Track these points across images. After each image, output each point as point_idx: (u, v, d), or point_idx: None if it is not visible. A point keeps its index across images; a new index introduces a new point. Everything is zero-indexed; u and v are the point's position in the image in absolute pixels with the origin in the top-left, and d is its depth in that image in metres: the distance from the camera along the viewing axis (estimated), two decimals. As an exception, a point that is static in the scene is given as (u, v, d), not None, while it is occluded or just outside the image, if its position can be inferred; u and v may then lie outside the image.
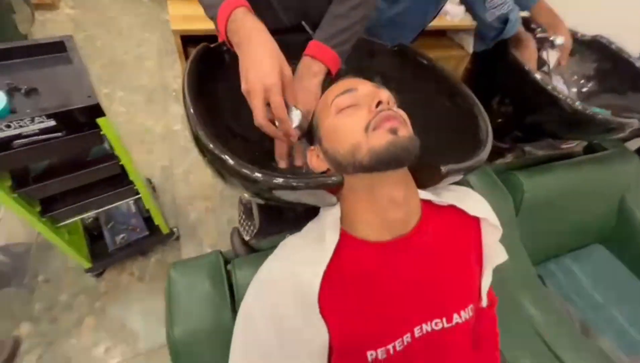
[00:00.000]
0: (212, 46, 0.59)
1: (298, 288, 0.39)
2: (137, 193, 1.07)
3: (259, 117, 0.43)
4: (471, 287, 0.46)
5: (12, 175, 0.84)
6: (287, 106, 0.45)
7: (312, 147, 0.49)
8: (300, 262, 0.41)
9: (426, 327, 0.43)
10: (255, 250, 0.66)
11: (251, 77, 0.42)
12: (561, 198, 0.88)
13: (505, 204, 0.81)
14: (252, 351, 0.42)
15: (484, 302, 0.50)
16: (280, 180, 0.37)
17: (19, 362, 1.05)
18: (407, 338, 0.42)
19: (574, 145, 1.06)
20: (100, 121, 0.80)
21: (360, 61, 0.71)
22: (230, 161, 0.38)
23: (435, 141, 0.60)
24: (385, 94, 0.44)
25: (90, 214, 1.05)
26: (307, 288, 0.39)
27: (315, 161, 0.47)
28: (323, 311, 0.40)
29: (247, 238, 0.67)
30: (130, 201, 1.17)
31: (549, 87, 0.71)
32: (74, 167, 0.90)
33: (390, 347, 0.41)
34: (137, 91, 2.00)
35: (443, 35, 2.05)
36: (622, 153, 0.98)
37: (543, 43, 0.90)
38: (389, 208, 0.41)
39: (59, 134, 0.78)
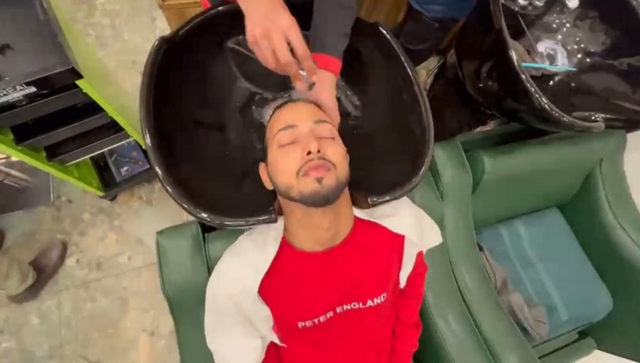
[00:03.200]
0: (168, 37, 0.57)
1: (244, 286, 0.52)
2: (131, 136, 1.15)
3: (284, 55, 0.42)
4: (385, 281, 0.59)
5: (11, 129, 0.91)
6: None
7: (263, 164, 0.54)
8: (246, 267, 0.53)
9: (346, 307, 0.58)
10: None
11: (265, 21, 0.42)
12: (524, 177, 0.92)
13: (464, 180, 0.87)
14: (219, 313, 0.58)
15: (402, 284, 0.64)
16: (223, 221, 0.45)
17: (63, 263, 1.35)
18: (330, 314, 0.57)
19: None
20: (80, 83, 0.81)
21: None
22: (171, 194, 0.45)
23: (385, 142, 0.64)
24: (321, 132, 0.47)
25: (95, 154, 1.15)
26: (250, 287, 0.52)
27: (265, 177, 0.54)
28: (265, 299, 0.54)
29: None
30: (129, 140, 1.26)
31: (524, 76, 0.68)
32: (67, 112, 0.95)
33: (315, 320, 0.56)
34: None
35: None
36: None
37: (551, 5, 0.79)
38: (317, 231, 0.51)
39: (45, 92, 0.82)
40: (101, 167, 1.37)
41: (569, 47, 0.89)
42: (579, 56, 0.88)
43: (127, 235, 1.42)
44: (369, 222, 0.56)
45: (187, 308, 0.70)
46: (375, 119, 0.66)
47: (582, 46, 0.87)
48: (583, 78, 0.86)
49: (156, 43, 0.55)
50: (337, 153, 0.48)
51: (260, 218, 0.48)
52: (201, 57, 0.65)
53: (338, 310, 0.57)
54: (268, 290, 0.53)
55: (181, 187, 0.48)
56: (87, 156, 1.12)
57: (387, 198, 0.51)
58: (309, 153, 0.44)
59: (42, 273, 1.27)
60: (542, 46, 0.91)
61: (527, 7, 0.87)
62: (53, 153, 1.03)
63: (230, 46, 0.70)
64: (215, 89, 0.68)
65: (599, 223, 1.02)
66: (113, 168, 1.35)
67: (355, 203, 0.56)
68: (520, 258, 1.03)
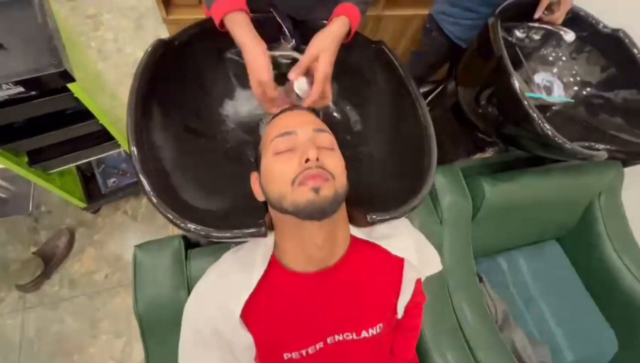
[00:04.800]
0: (166, 40, 0.56)
1: (225, 308, 0.47)
2: (122, 145, 1.11)
3: (259, 101, 0.55)
4: (383, 310, 0.53)
5: (-7, 131, 0.86)
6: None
7: (256, 173, 0.51)
8: (230, 287, 0.48)
9: (338, 337, 0.52)
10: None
11: (250, 75, 0.53)
12: (524, 205, 0.90)
13: (463, 207, 0.84)
14: (196, 340, 0.52)
15: (400, 314, 0.58)
16: (210, 232, 0.41)
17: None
18: (319, 345, 0.51)
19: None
20: (71, 86, 0.79)
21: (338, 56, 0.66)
22: (153, 200, 0.41)
23: (385, 160, 0.61)
24: (320, 141, 0.44)
25: (79, 163, 1.10)
26: (232, 310, 0.46)
27: (257, 188, 0.50)
28: (247, 325, 0.48)
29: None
30: (118, 151, 1.22)
31: (526, 102, 0.67)
32: (55, 118, 0.92)
33: (303, 351, 0.50)
34: (126, 15, 1.85)
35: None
36: (604, 161, 0.96)
37: (547, 39, 0.81)
38: (310, 248, 0.46)
39: (33, 93, 0.78)
40: (87, 178, 1.32)
41: (565, 80, 0.90)
42: (576, 88, 0.90)
43: (107, 251, 1.34)
44: (367, 242, 0.51)
45: (159, 331, 0.63)
46: (376, 136, 0.64)
47: (579, 78, 0.89)
48: (580, 109, 0.87)
49: (153, 44, 0.54)
50: (336, 165, 0.44)
51: (248, 231, 0.44)
52: (199, 65, 0.63)
53: (329, 340, 0.51)
54: (252, 313, 0.48)
55: (166, 197, 0.44)
56: (73, 165, 1.07)
57: (388, 216, 0.47)
58: (307, 160, 0.41)
59: (49, 262, 1.21)
60: (539, 78, 0.93)
61: (524, 40, 0.89)
62: (36, 158, 0.98)
63: (230, 57, 0.69)
64: (211, 98, 0.66)
65: (599, 258, 0.99)
66: (99, 179, 1.29)
67: (352, 221, 0.52)
68: (520, 292, 0.98)
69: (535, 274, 1.02)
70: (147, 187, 0.42)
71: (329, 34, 0.55)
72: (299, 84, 0.55)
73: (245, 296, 0.46)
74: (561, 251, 1.08)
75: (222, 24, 0.54)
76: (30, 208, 1.36)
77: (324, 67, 0.53)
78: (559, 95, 0.90)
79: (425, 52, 1.08)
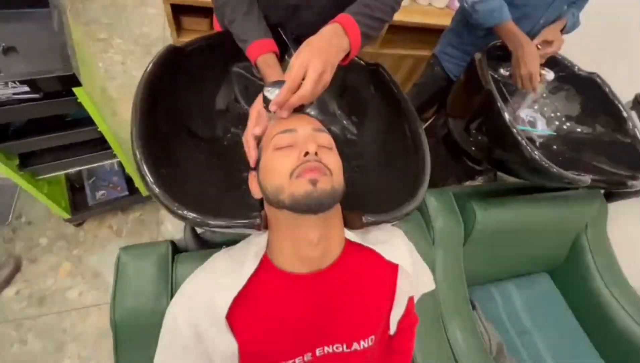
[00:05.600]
0: (178, 46, 0.59)
1: (211, 307, 0.44)
2: (117, 156, 1.10)
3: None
4: (376, 321, 0.51)
5: (-11, 129, 0.86)
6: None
7: (254, 172, 0.51)
8: (218, 284, 0.46)
9: (327, 349, 0.49)
10: (207, 242, 0.71)
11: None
12: (514, 232, 0.91)
13: (455, 230, 0.85)
14: (175, 344, 0.48)
15: (392, 330, 0.56)
16: (206, 220, 0.40)
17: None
18: (308, 356, 0.48)
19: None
20: (76, 90, 0.81)
21: (336, 76, 0.71)
22: (156, 191, 0.41)
23: (384, 175, 0.62)
24: (320, 140, 0.45)
25: (70, 171, 1.09)
26: (218, 309, 0.44)
27: (254, 186, 0.50)
28: (233, 328, 0.45)
29: (200, 230, 0.72)
30: (111, 162, 1.21)
31: (514, 130, 0.71)
32: (53, 124, 0.92)
33: (290, 362, 0.47)
34: (136, 41, 1.94)
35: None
36: (589, 193, 1.00)
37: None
38: (304, 246, 0.45)
39: (37, 95, 0.80)
40: (75, 189, 1.29)
41: (547, 115, 0.96)
42: (557, 123, 0.96)
43: (85, 266, 1.27)
44: (361, 247, 0.51)
45: (135, 343, 0.59)
46: (371, 149, 0.66)
47: (559, 114, 0.95)
48: (563, 142, 0.92)
49: (165, 48, 0.57)
50: (334, 162, 0.45)
51: (243, 221, 0.43)
52: (206, 74, 0.66)
53: (318, 352, 0.48)
54: (239, 315, 0.45)
55: (166, 189, 0.44)
56: (64, 172, 1.06)
57: (383, 218, 0.48)
58: (307, 153, 0.42)
59: None
60: (523, 113, 0.99)
61: (509, 78, 0.96)
62: (27, 162, 0.97)
63: (236, 70, 0.72)
64: (214, 105, 0.68)
65: (589, 291, 0.99)
66: (88, 190, 1.27)
67: (347, 224, 0.51)
68: (514, 323, 0.96)
69: (527, 306, 1.00)
70: (148, 177, 0.42)
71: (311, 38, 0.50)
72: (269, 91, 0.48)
73: (233, 294, 0.44)
74: (552, 284, 1.08)
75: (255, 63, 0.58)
76: (10, 218, 1.31)
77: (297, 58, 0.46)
78: (542, 129, 0.96)
79: (426, 84, 1.17)
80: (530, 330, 0.96)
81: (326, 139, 0.48)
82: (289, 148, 0.45)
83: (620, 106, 0.87)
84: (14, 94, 0.75)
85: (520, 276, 1.07)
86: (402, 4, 1.38)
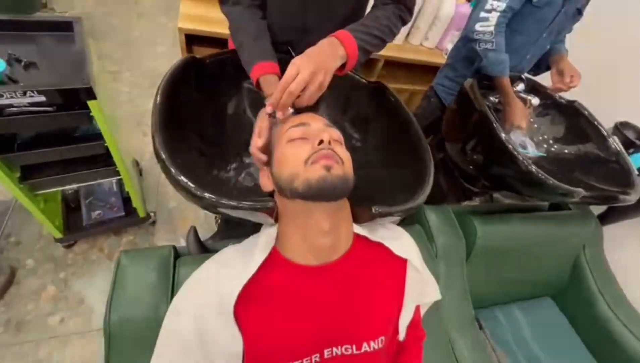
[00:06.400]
0: (198, 57, 0.64)
1: (219, 295, 0.43)
2: (118, 174, 1.11)
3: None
4: (386, 321, 0.50)
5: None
6: None
7: (266, 168, 0.53)
8: (227, 272, 0.45)
9: (336, 350, 0.47)
10: (208, 250, 0.70)
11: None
12: (514, 249, 0.92)
13: (457, 245, 0.85)
14: (174, 344, 0.46)
15: (401, 337, 0.54)
16: (220, 201, 0.41)
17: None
18: (315, 357, 0.46)
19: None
20: (90, 103, 0.84)
21: (341, 92, 0.76)
22: (173, 171, 0.42)
23: (389, 178, 0.65)
24: (332, 134, 0.48)
25: (70, 187, 1.08)
26: (226, 297, 0.42)
27: (266, 180, 0.52)
28: (239, 322, 0.43)
29: (202, 232, 0.71)
30: (110, 180, 1.22)
31: (510, 146, 0.75)
32: (61, 141, 0.94)
33: (298, 362, 0.44)
34: (144, 74, 2.05)
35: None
36: (583, 214, 1.02)
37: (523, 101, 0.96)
38: (316, 234, 0.45)
39: (50, 108, 0.82)
40: (71, 208, 1.27)
41: (535, 139, 1.02)
42: (545, 146, 1.01)
43: (70, 291, 1.21)
44: (370, 241, 0.51)
45: (128, 353, 0.55)
46: (376, 152, 0.69)
47: (546, 137, 1.01)
48: (553, 162, 0.97)
49: (185, 57, 0.61)
50: (345, 154, 0.47)
51: (256, 203, 0.43)
52: (220, 84, 0.70)
53: (326, 353, 0.46)
54: (247, 308, 0.44)
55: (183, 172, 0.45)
56: (65, 187, 1.05)
57: (395, 209, 0.48)
58: (321, 142, 0.44)
59: None
60: (514, 137, 1.05)
61: (498, 104, 1.03)
62: (28, 174, 0.97)
63: (246, 86, 0.77)
64: (226, 111, 0.72)
65: (595, 315, 0.97)
66: (84, 210, 1.25)
67: (356, 219, 0.52)
68: (522, 349, 0.92)
69: (534, 330, 0.97)
70: (164, 156, 0.43)
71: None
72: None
73: (242, 283, 0.43)
74: (556, 309, 1.05)
75: (257, 82, 0.60)
76: (-2, 237, 1.26)
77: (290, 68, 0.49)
78: (532, 151, 1.01)
79: (423, 114, 1.26)
80: (538, 355, 0.92)
81: (337, 134, 0.50)
82: (302, 140, 0.47)
83: (599, 126, 0.94)
84: (30, 104, 0.78)
85: (523, 300, 1.05)
86: (397, 42, 1.53)
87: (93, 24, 2.18)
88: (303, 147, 0.46)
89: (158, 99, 0.51)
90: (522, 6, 0.90)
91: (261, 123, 0.56)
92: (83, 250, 1.31)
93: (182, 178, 0.42)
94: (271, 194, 0.52)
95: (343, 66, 0.56)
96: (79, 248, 1.31)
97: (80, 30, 0.93)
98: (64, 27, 0.94)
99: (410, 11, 0.67)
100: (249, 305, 0.44)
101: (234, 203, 0.41)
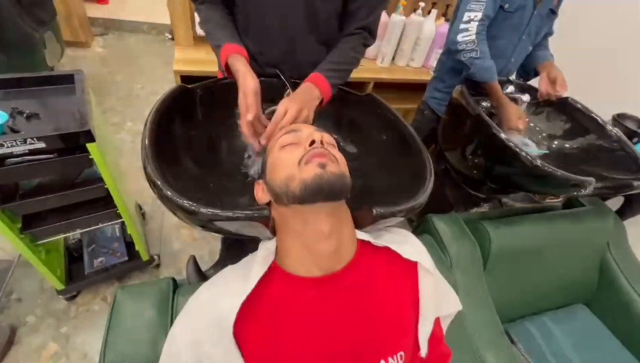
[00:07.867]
0: (189, 87, 0.65)
1: (217, 318, 0.40)
2: (120, 217, 1.10)
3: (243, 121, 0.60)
4: (402, 332, 0.45)
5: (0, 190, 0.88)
6: None
7: (260, 181, 0.52)
8: (224, 292, 0.42)
9: (352, 372, 0.42)
10: (207, 278, 0.66)
11: (239, 91, 0.61)
12: (532, 252, 0.86)
13: (472, 253, 0.81)
14: None
15: (423, 352, 0.48)
16: (216, 212, 0.40)
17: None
18: (328, 381, 0.41)
19: (555, 201, 1.07)
20: (89, 146, 0.85)
21: (335, 106, 0.77)
22: (169, 194, 0.41)
23: (389, 182, 0.63)
24: (324, 136, 0.47)
25: (71, 234, 1.07)
26: (225, 319, 0.39)
27: (260, 193, 0.50)
28: (240, 344, 0.39)
29: (205, 268, 0.68)
30: (113, 224, 1.20)
31: (512, 144, 0.74)
32: (63, 188, 0.95)
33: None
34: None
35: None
36: (599, 209, 0.98)
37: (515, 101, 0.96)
38: (316, 240, 0.43)
39: (51, 156, 0.84)
40: (73, 257, 1.25)
41: (534, 138, 1.01)
42: (546, 143, 1.00)
43: (72, 346, 1.14)
44: (375, 247, 0.48)
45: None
46: (373, 158, 0.68)
47: (545, 134, 1.00)
48: (557, 158, 0.94)
49: (176, 86, 0.63)
50: (339, 155, 0.46)
51: (251, 213, 0.41)
52: (212, 112, 0.72)
53: (340, 376, 0.41)
54: (248, 330, 0.40)
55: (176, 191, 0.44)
56: (66, 234, 1.04)
57: (396, 208, 0.46)
58: (313, 142, 0.43)
59: None
60: (514, 138, 1.04)
61: (491, 108, 1.04)
62: (29, 224, 0.96)
63: (238, 111, 0.78)
64: (219, 139, 0.72)
65: (632, 315, 0.89)
66: (87, 258, 1.22)
67: (357, 225, 0.49)
68: (560, 359, 0.83)
69: (571, 341, 0.88)
70: (155, 177, 0.42)
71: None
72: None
73: (240, 300, 0.39)
74: (591, 315, 0.97)
75: (226, 65, 0.65)
76: (0, 296, 1.23)
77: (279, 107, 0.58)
78: (534, 150, 1.00)
79: (417, 127, 1.27)
80: (582, 369, 0.82)
81: (329, 137, 0.49)
82: (294, 144, 0.47)
83: (596, 117, 0.92)
84: (31, 152, 0.79)
85: (554, 310, 0.97)
86: (384, 65, 1.58)
87: (99, 83, 2.32)
88: (295, 151, 0.45)
89: (148, 125, 0.51)
90: (496, 13, 0.94)
91: (245, 100, 0.59)
92: (85, 301, 1.26)
93: (177, 198, 0.41)
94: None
95: (321, 102, 0.66)
96: (82, 299, 1.26)
97: (80, 80, 0.97)
98: (66, 80, 0.99)
99: (374, 36, 0.75)
100: (250, 325, 0.40)
101: (229, 214, 0.40)
